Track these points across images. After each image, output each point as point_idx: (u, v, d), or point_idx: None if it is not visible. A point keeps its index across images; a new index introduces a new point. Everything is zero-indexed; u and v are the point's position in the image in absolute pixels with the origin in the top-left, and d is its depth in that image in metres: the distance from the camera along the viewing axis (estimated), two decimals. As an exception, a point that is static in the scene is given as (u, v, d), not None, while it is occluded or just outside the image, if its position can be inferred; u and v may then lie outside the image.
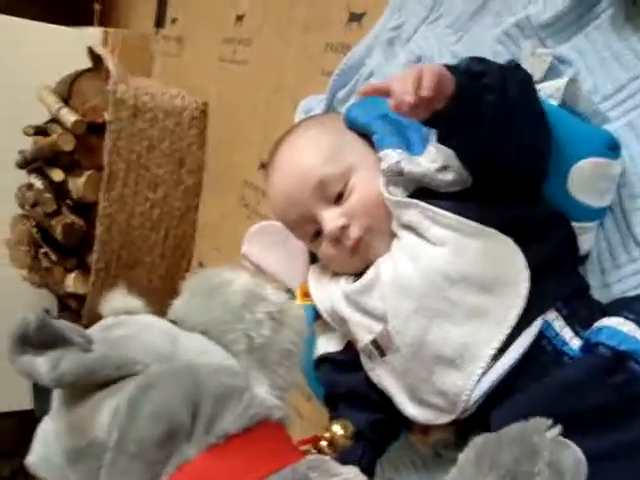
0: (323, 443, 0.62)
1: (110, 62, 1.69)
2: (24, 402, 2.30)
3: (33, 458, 0.57)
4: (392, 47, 0.99)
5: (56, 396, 0.54)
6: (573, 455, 0.50)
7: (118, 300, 0.60)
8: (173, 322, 0.58)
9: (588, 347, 0.62)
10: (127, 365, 0.51)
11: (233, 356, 0.55)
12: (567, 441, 0.51)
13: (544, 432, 0.51)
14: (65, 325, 0.50)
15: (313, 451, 0.59)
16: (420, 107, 0.55)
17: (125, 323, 0.56)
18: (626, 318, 0.61)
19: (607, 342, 0.60)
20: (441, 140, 0.66)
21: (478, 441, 0.53)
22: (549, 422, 0.52)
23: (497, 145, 0.62)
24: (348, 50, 1.06)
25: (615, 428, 0.57)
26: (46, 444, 0.56)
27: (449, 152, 0.66)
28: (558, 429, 0.52)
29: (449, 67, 0.58)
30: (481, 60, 0.64)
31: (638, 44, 0.67)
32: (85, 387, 0.51)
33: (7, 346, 0.49)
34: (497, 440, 0.52)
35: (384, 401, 0.74)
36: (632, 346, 0.59)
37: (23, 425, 2.63)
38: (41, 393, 2.23)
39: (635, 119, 0.67)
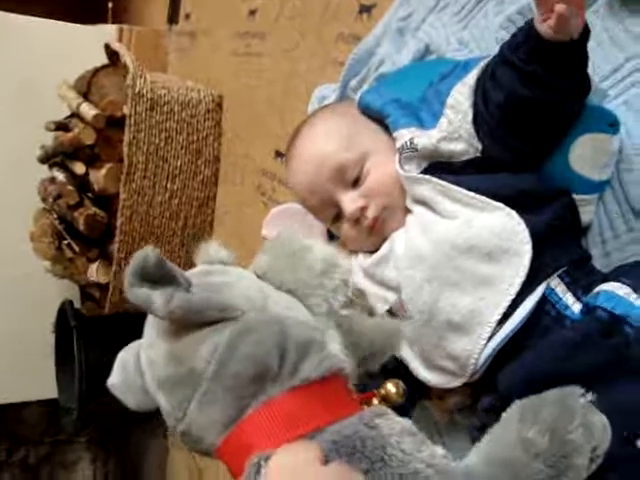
0: (375, 400, 0.67)
1: (127, 57, 1.74)
2: (49, 391, 2.36)
3: (114, 381, 0.64)
4: (402, 36, 1.03)
5: (150, 329, 0.61)
6: (602, 420, 0.56)
7: (214, 249, 0.65)
8: (257, 276, 0.64)
9: (587, 310, 0.66)
10: (228, 310, 0.57)
11: (313, 315, 0.61)
12: (595, 408, 0.56)
13: (579, 397, 0.56)
14: (174, 266, 0.55)
15: (365, 407, 0.64)
16: None
17: (221, 272, 0.62)
18: (623, 283, 0.65)
19: (604, 305, 0.63)
20: (555, 72, 0.66)
21: (520, 402, 0.58)
22: (583, 390, 0.57)
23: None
24: (359, 40, 1.09)
25: (609, 388, 0.60)
26: (127, 370, 0.62)
27: (459, 124, 0.71)
28: (591, 396, 0.57)
29: None
30: None
31: (633, 27, 0.71)
32: (185, 323, 0.57)
33: (127, 277, 0.54)
34: (539, 401, 0.57)
35: (399, 371, 0.79)
36: (626, 309, 0.62)
37: (48, 413, 2.70)
38: (64, 382, 2.30)
39: (631, 98, 0.71)
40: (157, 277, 0.54)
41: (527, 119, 0.69)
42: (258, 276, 0.64)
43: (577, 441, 0.54)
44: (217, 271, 0.63)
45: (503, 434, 0.57)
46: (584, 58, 0.66)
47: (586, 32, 0.64)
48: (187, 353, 0.57)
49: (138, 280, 0.54)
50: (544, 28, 0.63)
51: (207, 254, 0.65)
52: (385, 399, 0.66)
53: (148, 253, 0.53)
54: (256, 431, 0.55)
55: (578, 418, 0.54)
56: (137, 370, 0.62)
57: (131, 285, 0.54)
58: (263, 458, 0.52)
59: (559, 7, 0.61)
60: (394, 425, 0.57)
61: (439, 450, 0.57)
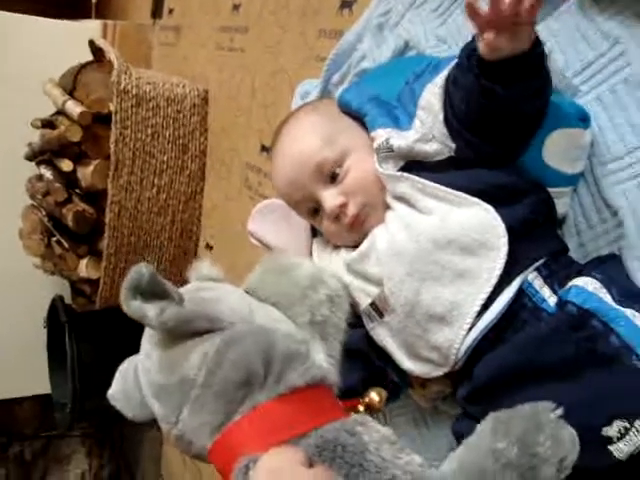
0: (360, 408, 0.70)
1: (112, 54, 1.75)
2: (42, 387, 2.38)
3: (114, 391, 0.68)
4: (381, 32, 1.04)
5: (147, 340, 0.64)
6: (570, 433, 0.59)
7: (205, 268, 0.70)
8: (247, 292, 0.68)
9: (560, 304, 0.68)
10: (216, 321, 0.61)
11: (297, 327, 0.65)
12: (565, 422, 0.59)
13: (549, 412, 0.59)
14: (167, 282, 0.59)
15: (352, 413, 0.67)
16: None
17: (211, 288, 0.67)
18: (594, 277, 0.67)
19: (574, 300, 0.65)
20: (504, 84, 0.66)
21: (495, 414, 0.61)
22: (554, 405, 0.60)
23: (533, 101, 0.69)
24: (340, 36, 1.10)
25: (578, 379, 0.63)
26: (126, 382, 0.67)
27: (431, 124, 0.73)
28: (560, 411, 0.59)
29: None
30: None
31: (603, 24, 0.73)
32: (177, 334, 0.61)
33: (123, 292, 0.58)
34: (511, 414, 0.60)
35: (386, 362, 0.82)
36: (595, 304, 0.64)
37: (42, 409, 2.72)
38: (57, 377, 2.31)
39: (602, 93, 0.73)
40: (151, 292, 0.58)
41: (488, 122, 0.70)
42: (247, 292, 0.68)
43: (545, 453, 0.57)
44: (208, 287, 0.67)
45: (477, 444, 0.60)
46: (536, 65, 0.67)
47: (538, 42, 0.65)
48: (179, 362, 0.61)
49: (133, 294, 0.58)
50: (480, 47, 0.64)
51: (200, 272, 0.70)
52: (369, 406, 0.70)
53: (142, 269, 0.57)
54: (244, 435, 0.59)
55: (547, 432, 0.57)
56: (135, 382, 0.66)
57: (126, 299, 0.58)
58: (251, 461, 0.55)
59: (487, 35, 0.62)
60: (374, 433, 0.60)
61: (417, 458, 0.61)
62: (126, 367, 0.68)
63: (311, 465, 0.55)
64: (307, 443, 0.57)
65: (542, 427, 0.58)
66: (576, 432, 0.58)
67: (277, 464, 0.54)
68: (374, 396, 0.71)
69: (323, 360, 0.64)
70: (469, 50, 0.68)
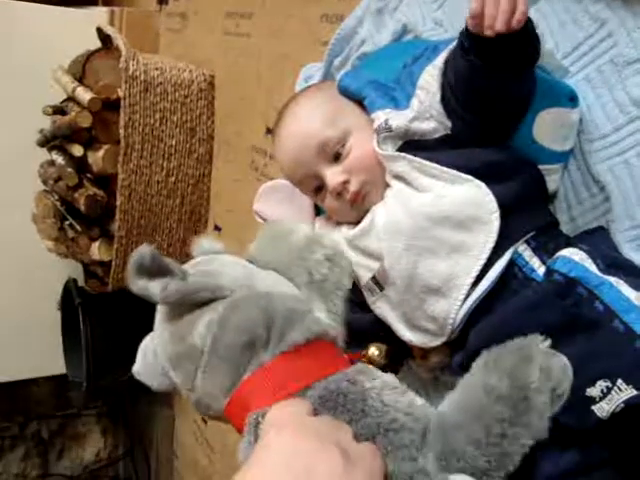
0: (363, 360, 0.74)
1: (120, 41, 1.78)
2: (57, 367, 2.43)
3: (137, 368, 0.73)
4: (381, 16, 1.07)
5: (158, 315, 0.69)
6: (560, 361, 0.62)
7: (207, 243, 0.75)
8: (249, 261, 0.72)
9: (548, 274, 0.71)
10: (218, 290, 0.65)
11: (297, 287, 0.69)
12: (555, 351, 0.62)
13: (537, 344, 0.62)
14: (169, 260, 0.64)
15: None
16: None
17: (213, 260, 0.71)
18: (580, 249, 0.70)
19: (560, 269, 0.69)
20: (484, 59, 0.70)
21: (486, 351, 0.65)
22: (542, 337, 0.63)
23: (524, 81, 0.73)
24: (342, 20, 1.13)
25: (565, 343, 0.66)
26: (146, 357, 0.72)
27: (429, 103, 0.77)
28: (548, 341, 0.62)
29: None
30: None
31: (591, 6, 0.76)
32: (183, 306, 0.65)
33: (128, 273, 0.63)
34: (500, 350, 0.64)
35: (387, 336, 0.86)
36: (580, 273, 0.68)
37: (58, 389, 2.78)
38: (72, 358, 2.37)
39: (590, 73, 0.76)
40: (154, 270, 0.62)
41: (478, 100, 0.74)
42: (248, 261, 0.72)
43: (535, 384, 0.59)
44: (209, 260, 0.71)
45: (470, 381, 0.64)
46: (522, 52, 0.70)
47: (526, 29, 0.68)
48: (187, 331, 0.65)
49: (137, 274, 0.62)
50: (467, 19, 0.68)
51: (201, 247, 0.75)
52: (370, 361, 0.74)
53: (144, 250, 0.61)
54: (253, 392, 0.63)
55: (536, 362, 0.60)
56: (154, 355, 0.70)
57: (132, 279, 0.63)
58: (260, 414, 0.60)
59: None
60: (375, 380, 0.64)
61: (418, 400, 0.64)
62: (145, 344, 0.73)
63: (316, 414, 0.59)
64: (311, 394, 0.61)
65: (532, 358, 0.60)
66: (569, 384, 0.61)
67: (284, 415, 0.58)
68: (374, 351, 0.75)
69: (324, 316, 0.67)
70: (463, 29, 0.71)
